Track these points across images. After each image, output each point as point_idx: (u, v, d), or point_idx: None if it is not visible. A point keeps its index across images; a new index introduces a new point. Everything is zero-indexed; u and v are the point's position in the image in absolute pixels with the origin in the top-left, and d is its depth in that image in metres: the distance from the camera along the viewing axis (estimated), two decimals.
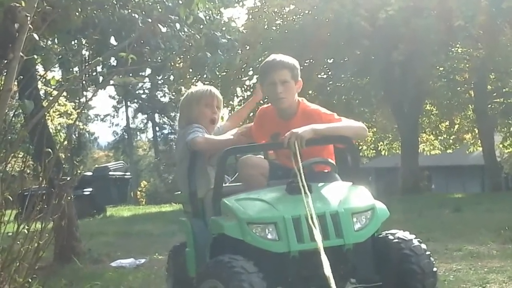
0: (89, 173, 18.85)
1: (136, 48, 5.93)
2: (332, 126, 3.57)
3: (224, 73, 18.80)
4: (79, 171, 17.42)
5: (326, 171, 3.74)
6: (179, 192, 4.29)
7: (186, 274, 3.88)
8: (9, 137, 5.57)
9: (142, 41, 6.31)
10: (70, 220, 6.56)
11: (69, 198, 4.49)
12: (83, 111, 19.62)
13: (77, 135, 36.18)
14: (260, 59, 19.18)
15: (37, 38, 3.76)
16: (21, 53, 3.50)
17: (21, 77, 4.71)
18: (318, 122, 3.56)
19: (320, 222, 3.12)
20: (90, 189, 16.98)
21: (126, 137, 47.85)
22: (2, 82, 3.64)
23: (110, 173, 18.37)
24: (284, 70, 3.72)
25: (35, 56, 5.09)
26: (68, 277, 5.03)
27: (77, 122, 15.36)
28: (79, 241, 7.00)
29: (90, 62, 7.63)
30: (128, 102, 47.17)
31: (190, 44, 7.20)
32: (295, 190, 3.32)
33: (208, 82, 21.67)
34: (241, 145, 3.71)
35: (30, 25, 3.45)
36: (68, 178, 4.61)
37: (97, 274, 5.47)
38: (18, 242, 3.68)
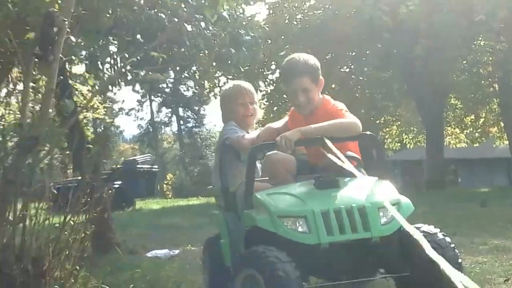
0: (117, 166, 19.03)
1: (165, 47, 6.16)
2: (319, 126, 3.62)
3: (247, 67, 18.92)
4: (118, 166, 17.62)
5: (353, 165, 3.77)
6: (211, 187, 4.46)
7: (222, 264, 4.05)
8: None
9: (169, 40, 6.50)
10: (106, 212, 6.82)
11: (110, 191, 4.74)
12: (108, 106, 19.92)
13: (103, 129, 36.57)
14: (282, 53, 19.26)
15: (74, 40, 3.97)
16: (60, 55, 3.73)
17: (61, 77, 4.96)
18: (331, 119, 3.68)
19: (348, 216, 3.26)
20: (119, 182, 17.16)
21: (151, 130, 48.32)
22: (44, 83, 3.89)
23: (138, 166, 18.57)
24: (304, 78, 3.79)
25: (73, 57, 5.35)
26: (109, 266, 5.22)
27: (103, 116, 15.59)
28: (114, 233, 7.24)
29: (116, 57, 7.89)
30: (152, 96, 47.62)
31: (215, 41, 7.38)
32: (323, 184, 3.47)
33: (231, 77, 21.86)
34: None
35: (68, 29, 3.67)
36: (109, 172, 4.80)
37: (135, 264, 5.59)
38: (65, 233, 3.92)
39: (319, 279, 3.67)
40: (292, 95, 3.86)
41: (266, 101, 21.65)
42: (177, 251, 6.99)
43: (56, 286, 3.69)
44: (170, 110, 48.74)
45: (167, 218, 12.24)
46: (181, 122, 49.19)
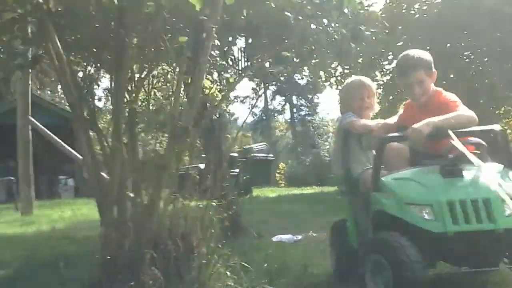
0: (235, 154, 19.75)
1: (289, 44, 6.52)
2: (446, 118, 3.77)
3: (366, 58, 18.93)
4: (251, 155, 18.33)
5: (478, 152, 3.88)
6: (332, 175, 4.82)
7: (348, 246, 4.35)
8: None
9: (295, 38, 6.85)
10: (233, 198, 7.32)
11: (244, 177, 5.20)
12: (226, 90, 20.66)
13: (218, 116, 37.60)
14: (400, 44, 19.12)
15: (218, 43, 4.41)
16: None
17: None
18: (446, 111, 3.86)
19: (473, 207, 3.39)
20: (237, 170, 17.80)
21: (264, 118, 49.13)
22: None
23: (255, 154, 19.19)
24: (420, 71, 4.06)
25: (217, 59, 5.85)
26: (240, 247, 5.62)
27: (223, 106, 16.25)
28: (241, 218, 7.70)
29: (243, 55, 8.34)
30: (267, 85, 48.36)
31: (336, 38, 7.65)
32: (448, 173, 3.60)
33: (348, 66, 21.95)
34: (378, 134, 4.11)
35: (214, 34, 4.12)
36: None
37: (263, 246, 5.96)
38: (210, 213, 4.39)
39: (445, 265, 3.81)
40: (408, 87, 4.12)
41: (381, 91, 21.55)
42: (300, 237, 7.27)
43: (203, 260, 4.16)
44: (283, 98, 49.33)
45: (286, 205, 12.56)
46: (294, 110, 49.67)
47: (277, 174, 33.35)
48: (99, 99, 4.55)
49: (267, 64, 7.80)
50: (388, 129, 4.17)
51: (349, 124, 4.38)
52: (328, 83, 23.93)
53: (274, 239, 7.20)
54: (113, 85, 4.30)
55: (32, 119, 13.18)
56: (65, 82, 4.10)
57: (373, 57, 20.24)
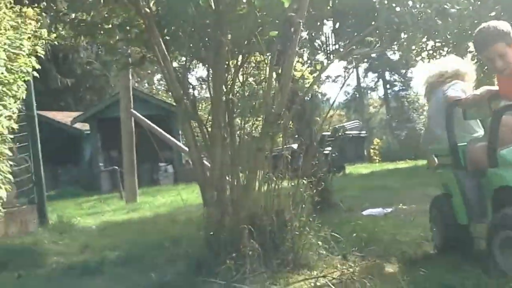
0: (327, 133, 20.05)
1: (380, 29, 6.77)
2: None
3: (456, 31, 18.54)
4: (340, 133, 18.56)
5: None
6: (430, 147, 4.81)
7: (455, 222, 4.25)
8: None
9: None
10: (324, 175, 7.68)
11: (334, 155, 5.60)
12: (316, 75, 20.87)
13: (310, 97, 37.71)
14: (492, 14, 18.58)
15: (306, 36, 4.78)
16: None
17: None
18: None
19: None
20: (329, 148, 18.08)
21: (357, 96, 48.73)
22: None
23: (347, 132, 19.38)
24: (499, 43, 3.88)
25: (304, 50, 6.25)
26: (330, 220, 5.97)
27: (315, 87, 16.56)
28: (332, 194, 8.08)
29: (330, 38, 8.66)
30: (358, 64, 47.72)
31: (421, 17, 7.81)
32: None
33: (439, 40, 21.50)
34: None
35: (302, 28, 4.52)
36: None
37: (353, 219, 6.20)
38: (301, 189, 4.81)
39: None
40: (490, 61, 3.98)
41: (476, 62, 21.07)
42: (390, 209, 7.47)
43: (296, 233, 4.60)
44: (376, 74, 48.70)
45: (378, 180, 12.75)
46: (388, 86, 48.92)
47: (371, 150, 33.16)
48: (194, 88, 5.01)
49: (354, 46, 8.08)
50: (485, 96, 4.07)
51: (447, 99, 4.42)
52: (420, 57, 23.56)
53: (364, 212, 7.46)
54: (211, 78, 4.79)
55: (134, 112, 14.00)
56: (170, 79, 4.63)
57: (466, 27, 19.77)
